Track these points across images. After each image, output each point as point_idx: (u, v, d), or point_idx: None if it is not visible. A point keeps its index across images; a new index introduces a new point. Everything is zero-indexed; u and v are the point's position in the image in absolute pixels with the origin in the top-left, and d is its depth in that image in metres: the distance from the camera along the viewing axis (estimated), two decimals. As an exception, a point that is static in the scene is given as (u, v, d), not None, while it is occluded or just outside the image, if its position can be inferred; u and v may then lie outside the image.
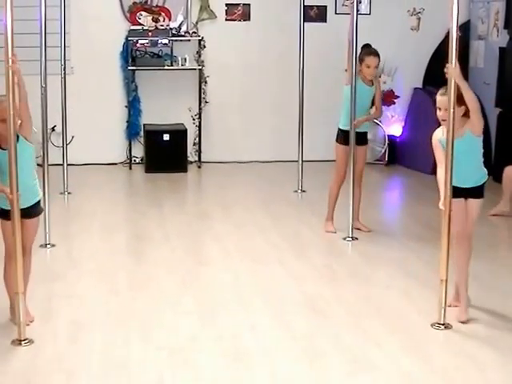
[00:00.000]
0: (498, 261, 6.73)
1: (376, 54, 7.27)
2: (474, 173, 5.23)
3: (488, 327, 5.18)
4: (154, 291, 5.82)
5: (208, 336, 4.98)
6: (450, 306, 5.24)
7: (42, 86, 6.98)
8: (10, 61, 4.54)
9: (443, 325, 5.13)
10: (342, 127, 7.31)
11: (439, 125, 5.18)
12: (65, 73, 9.02)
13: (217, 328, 5.12)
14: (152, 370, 4.50)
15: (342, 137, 7.26)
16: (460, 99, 4.93)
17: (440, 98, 5.06)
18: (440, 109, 5.07)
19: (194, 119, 10.75)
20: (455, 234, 5.17)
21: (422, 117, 10.34)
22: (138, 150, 10.75)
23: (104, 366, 4.55)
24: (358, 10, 7.08)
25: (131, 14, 10.47)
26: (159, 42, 10.30)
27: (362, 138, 7.31)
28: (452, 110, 4.91)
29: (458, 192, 5.12)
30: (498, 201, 7.96)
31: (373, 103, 7.39)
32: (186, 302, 5.59)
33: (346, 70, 7.40)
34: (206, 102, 10.77)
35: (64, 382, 4.35)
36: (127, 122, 10.65)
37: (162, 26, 10.35)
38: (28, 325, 4.88)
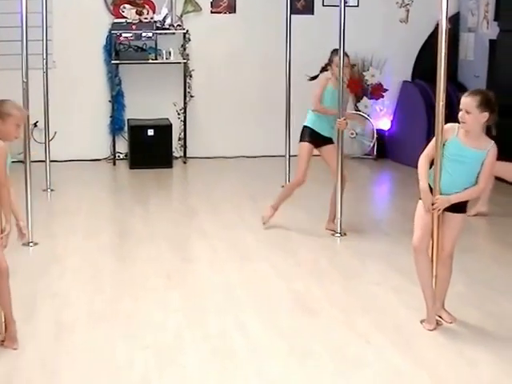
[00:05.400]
0: (489, 257, 6.70)
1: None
2: (463, 186, 4.96)
3: (478, 323, 5.14)
4: (140, 290, 5.74)
5: (195, 335, 4.93)
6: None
7: (23, 81, 6.86)
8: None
9: (433, 321, 5.10)
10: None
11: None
12: (47, 67, 8.94)
13: (204, 326, 5.06)
14: (138, 369, 4.44)
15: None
16: (486, 104, 4.78)
17: (463, 100, 4.84)
18: (461, 110, 4.85)
19: (179, 114, 10.69)
20: (414, 240, 4.96)
21: (410, 110, 10.26)
22: (122, 146, 10.67)
23: (88, 366, 4.49)
24: (345, 2, 7.01)
25: (115, 7, 10.37)
26: (143, 35, 10.21)
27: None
28: (442, 103, 4.84)
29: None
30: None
31: None
32: (173, 301, 5.52)
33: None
34: (192, 97, 10.69)
35: (47, 382, 4.28)
36: (111, 117, 10.56)
37: (146, 18, 10.25)
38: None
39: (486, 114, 4.80)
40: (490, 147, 4.88)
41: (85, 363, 4.51)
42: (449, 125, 4.89)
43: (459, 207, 4.98)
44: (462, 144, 4.86)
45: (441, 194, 4.90)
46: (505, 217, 7.84)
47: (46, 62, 8.89)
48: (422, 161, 4.99)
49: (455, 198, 4.90)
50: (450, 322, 5.09)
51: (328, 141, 7.21)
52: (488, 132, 4.97)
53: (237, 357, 4.62)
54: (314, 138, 7.16)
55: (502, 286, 5.89)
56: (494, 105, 4.84)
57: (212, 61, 10.73)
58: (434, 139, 4.94)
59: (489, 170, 4.91)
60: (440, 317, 5.12)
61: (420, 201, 5.00)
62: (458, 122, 4.88)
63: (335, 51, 7.05)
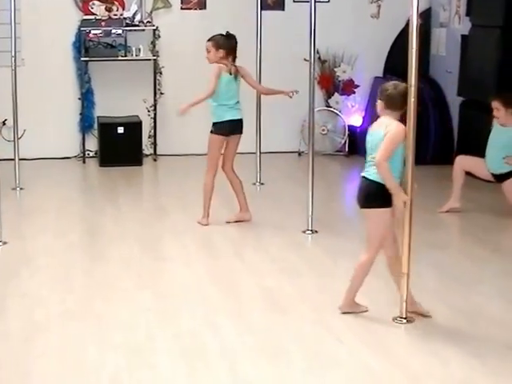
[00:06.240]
0: (461, 252, 6.70)
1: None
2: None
3: (450, 321, 5.16)
4: (111, 289, 5.70)
5: (166, 334, 4.90)
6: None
7: (-9, 79, 6.79)
8: None
9: (405, 319, 5.08)
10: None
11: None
12: (15, 65, 8.82)
13: (175, 326, 5.04)
14: (109, 369, 4.41)
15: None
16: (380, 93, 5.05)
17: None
18: None
19: (149, 111, 10.58)
20: (394, 252, 5.11)
21: (382, 106, 10.23)
22: (92, 144, 10.55)
23: (59, 366, 4.47)
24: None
25: (84, 4, 10.26)
26: (113, 32, 10.10)
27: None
28: (413, 99, 4.83)
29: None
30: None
31: None
32: (144, 300, 5.48)
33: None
34: (162, 94, 10.60)
35: (19, 382, 4.28)
36: (80, 114, 10.43)
37: (115, 15, 10.15)
38: None
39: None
40: None
41: (56, 363, 4.49)
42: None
43: None
44: None
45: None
46: (476, 212, 7.83)
47: (14, 60, 8.78)
48: (388, 167, 4.93)
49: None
50: (428, 314, 5.13)
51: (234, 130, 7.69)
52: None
53: (208, 356, 4.59)
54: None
55: (473, 282, 5.90)
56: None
57: (182, 57, 10.63)
58: (390, 140, 4.91)
59: None
60: (416, 312, 5.14)
61: (384, 213, 4.99)
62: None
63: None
